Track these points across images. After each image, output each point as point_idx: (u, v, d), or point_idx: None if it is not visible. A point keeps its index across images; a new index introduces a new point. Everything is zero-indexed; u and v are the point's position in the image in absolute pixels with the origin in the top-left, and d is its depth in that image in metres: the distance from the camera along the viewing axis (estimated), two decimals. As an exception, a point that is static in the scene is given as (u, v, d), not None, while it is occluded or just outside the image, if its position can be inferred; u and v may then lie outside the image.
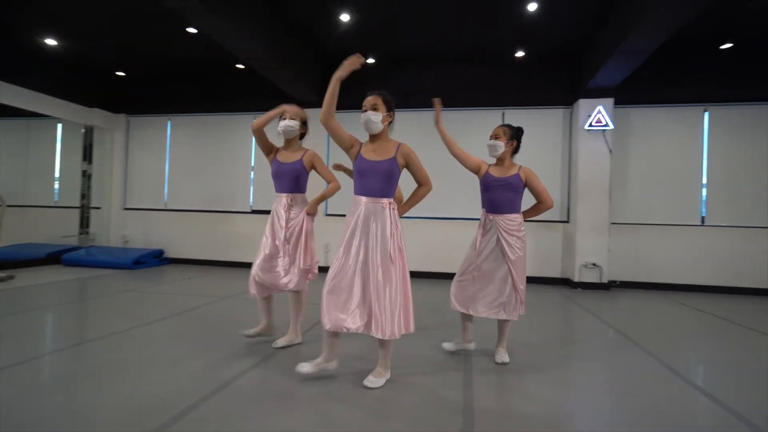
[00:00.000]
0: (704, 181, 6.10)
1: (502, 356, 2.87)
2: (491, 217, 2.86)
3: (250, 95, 7.26)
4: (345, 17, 4.87)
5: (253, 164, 7.41)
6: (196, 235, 7.46)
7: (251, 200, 7.41)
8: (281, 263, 2.92)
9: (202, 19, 4.39)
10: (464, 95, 6.52)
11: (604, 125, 5.91)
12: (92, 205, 7.60)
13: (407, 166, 2.46)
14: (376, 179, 2.35)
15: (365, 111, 2.39)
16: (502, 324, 2.94)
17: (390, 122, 2.46)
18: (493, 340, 3.12)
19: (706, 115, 6.09)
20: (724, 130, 6.06)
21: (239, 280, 6.06)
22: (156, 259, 7.19)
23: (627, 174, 6.27)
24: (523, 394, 2.36)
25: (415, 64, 6.68)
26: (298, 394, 2.25)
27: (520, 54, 5.90)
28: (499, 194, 2.82)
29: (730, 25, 5.05)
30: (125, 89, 7.79)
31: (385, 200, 2.36)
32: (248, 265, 7.16)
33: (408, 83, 6.74)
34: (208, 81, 7.50)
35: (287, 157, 3.00)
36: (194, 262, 7.43)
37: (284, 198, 2.98)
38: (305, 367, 2.41)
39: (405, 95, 6.75)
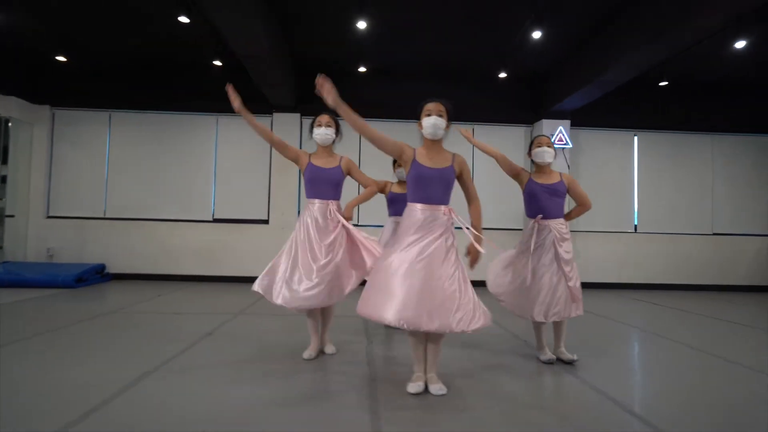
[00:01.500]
0: (635, 193, 7.23)
1: (569, 354, 3.04)
2: (545, 223, 2.97)
3: (219, 95, 6.71)
4: (361, 24, 4.83)
5: (215, 170, 6.84)
6: (145, 246, 6.63)
7: (213, 208, 6.83)
8: (324, 274, 2.75)
9: (215, 11, 4.04)
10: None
11: (564, 144, 6.68)
12: (6, 213, 6.33)
13: (459, 176, 2.44)
14: (437, 187, 2.35)
15: (430, 116, 2.36)
16: (560, 324, 3.10)
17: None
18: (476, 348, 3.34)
19: (635, 139, 7.23)
20: (651, 153, 7.25)
21: (217, 292, 5.55)
22: (98, 275, 6.23)
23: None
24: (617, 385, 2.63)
25: (397, 76, 6.89)
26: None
27: (502, 75, 6.38)
28: (550, 201, 2.97)
29: (670, 65, 6.09)
30: (56, 76, 6.67)
31: (445, 207, 2.37)
32: (213, 279, 6.71)
33: (388, 94, 6.89)
34: (168, 76, 6.80)
35: (325, 163, 2.95)
36: (142, 277, 6.59)
37: (328, 204, 2.88)
38: (413, 388, 2.32)
39: (383, 106, 6.90)
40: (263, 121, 6.76)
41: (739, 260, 7.16)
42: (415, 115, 2.47)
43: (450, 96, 7.47)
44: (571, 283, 2.95)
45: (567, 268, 2.95)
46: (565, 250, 2.98)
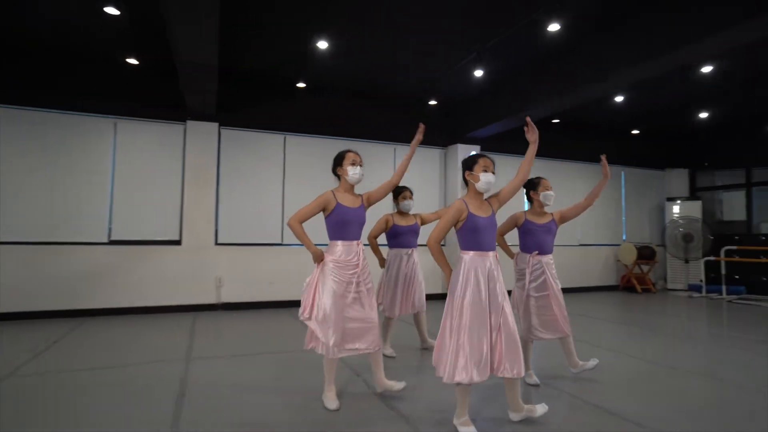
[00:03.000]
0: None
1: (589, 362, 3.37)
2: (541, 258, 3.30)
3: (121, 94, 5.71)
4: (322, 44, 4.64)
5: (112, 183, 5.78)
6: (14, 276, 5.27)
7: (109, 228, 5.76)
8: (365, 313, 2.87)
9: (170, 13, 3.48)
10: (367, 128, 6.99)
11: (476, 167, 7.38)
12: None
13: (501, 203, 2.65)
14: (491, 234, 2.54)
15: (487, 172, 2.53)
16: (567, 341, 3.41)
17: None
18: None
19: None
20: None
21: (125, 328, 4.72)
22: (-54, 319, 4.74)
23: (482, 205, 7.95)
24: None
25: (333, 93, 6.81)
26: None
27: (433, 102, 6.74)
28: (544, 238, 3.31)
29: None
30: None
31: (494, 252, 2.59)
32: (112, 312, 5.60)
33: (322, 111, 6.81)
34: (59, 66, 5.51)
35: (352, 202, 2.91)
36: (20, 316, 5.21)
37: (354, 244, 2.89)
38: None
39: (317, 122, 6.73)
40: (175, 129, 6.03)
41: (595, 265, 8.83)
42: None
43: (378, 116, 7.82)
44: (562, 308, 3.31)
45: (558, 296, 3.31)
46: (557, 280, 3.34)
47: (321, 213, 2.91)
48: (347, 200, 2.90)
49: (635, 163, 9.37)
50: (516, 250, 3.45)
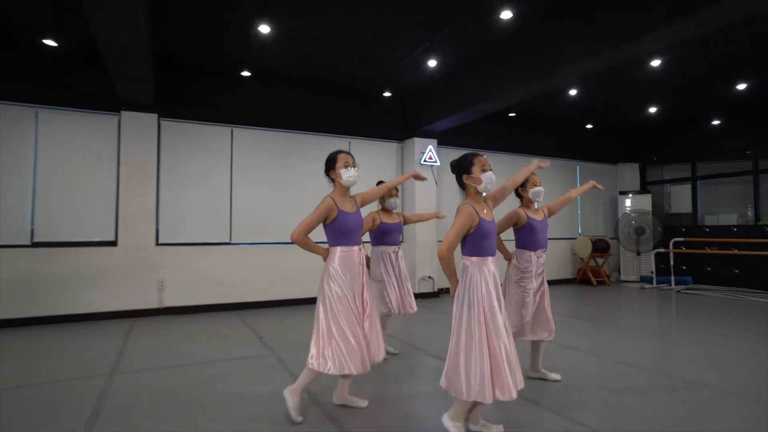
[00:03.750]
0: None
1: (553, 374, 3.29)
2: (542, 254, 3.17)
3: (42, 80, 5.16)
4: (265, 29, 4.31)
5: (34, 179, 5.24)
6: None
7: (31, 230, 5.22)
8: (371, 322, 2.68)
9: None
10: (321, 121, 6.69)
11: (434, 161, 7.24)
12: None
13: (496, 202, 2.51)
14: (494, 237, 2.40)
15: (487, 171, 2.39)
16: (539, 345, 3.30)
17: None
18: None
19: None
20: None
21: (56, 339, 4.27)
22: None
23: (452, 204, 7.81)
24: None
25: (284, 84, 6.46)
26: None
27: (387, 94, 6.52)
28: (544, 235, 3.21)
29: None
30: None
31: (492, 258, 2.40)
32: (36, 321, 5.06)
33: (272, 103, 6.47)
34: None
35: (351, 207, 2.72)
36: None
37: (358, 250, 2.68)
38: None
39: (267, 114, 6.40)
40: (108, 120, 5.57)
41: (552, 259, 8.92)
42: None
43: (331, 108, 7.49)
44: (549, 307, 3.21)
45: (547, 294, 3.22)
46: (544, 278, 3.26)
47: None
48: (347, 206, 2.69)
49: (589, 158, 9.54)
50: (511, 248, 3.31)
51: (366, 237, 3.80)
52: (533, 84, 5.12)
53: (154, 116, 5.73)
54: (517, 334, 3.16)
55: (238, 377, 3.36)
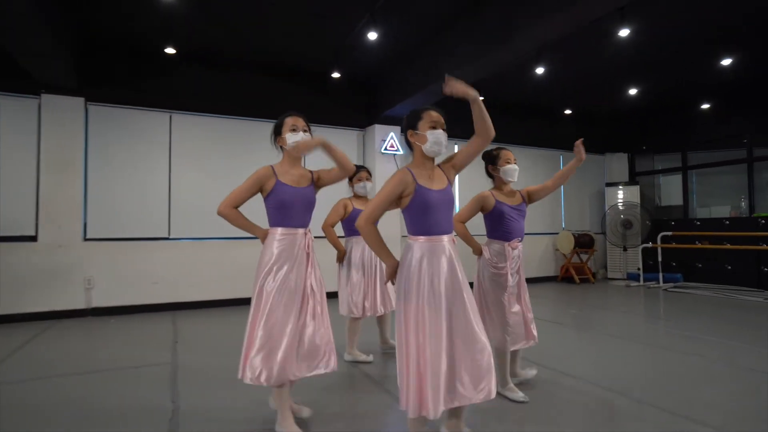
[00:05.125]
0: (457, 200, 7.79)
1: (529, 370, 2.94)
2: (517, 245, 2.71)
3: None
4: None
5: (-58, 167, 4.81)
6: None
7: (-60, 222, 4.79)
8: (315, 323, 2.24)
9: None
10: (270, 106, 6.15)
11: (396, 150, 6.72)
12: None
13: (456, 169, 2.04)
14: (448, 212, 1.93)
15: (436, 129, 1.90)
16: (516, 351, 2.86)
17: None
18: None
19: (456, 148, 7.77)
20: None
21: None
22: None
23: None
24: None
25: (212, 64, 5.91)
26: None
27: (336, 75, 6.01)
28: (518, 222, 2.73)
29: (483, 85, 6.63)
30: None
31: (450, 236, 1.95)
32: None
33: (214, 86, 5.96)
34: None
35: (296, 180, 2.28)
36: None
37: (302, 233, 2.26)
38: None
39: (210, 99, 5.94)
40: (24, 104, 5.12)
41: (532, 256, 8.36)
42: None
43: (282, 93, 6.77)
44: (528, 305, 2.80)
45: (526, 290, 2.81)
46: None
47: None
48: (290, 177, 2.26)
49: (573, 147, 8.94)
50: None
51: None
52: (488, 57, 4.58)
53: (80, 100, 5.27)
54: (501, 349, 2.64)
55: (118, 388, 2.87)
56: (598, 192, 9.11)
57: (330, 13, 4.71)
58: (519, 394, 2.62)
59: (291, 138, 2.25)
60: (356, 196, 3.50)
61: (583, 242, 8.19)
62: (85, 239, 5.32)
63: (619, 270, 8.45)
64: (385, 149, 6.65)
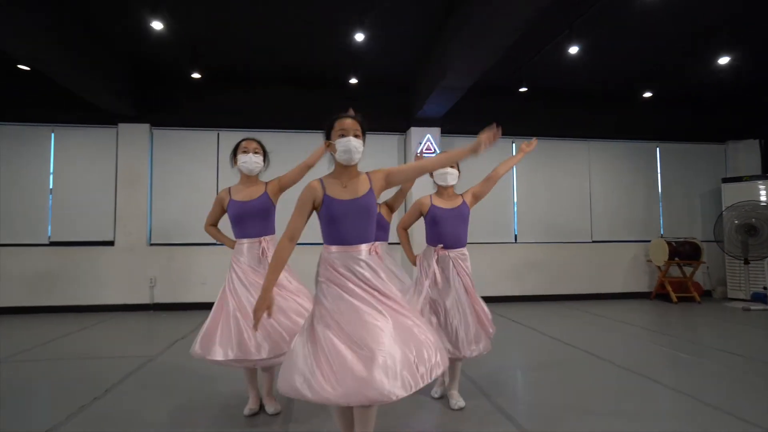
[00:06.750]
0: (515, 203, 7.04)
1: (458, 400, 2.66)
2: (447, 253, 2.63)
3: (55, 102, 6.01)
4: (158, 25, 4.31)
5: (51, 186, 6.13)
6: (-34, 275, 5.83)
7: (49, 230, 6.11)
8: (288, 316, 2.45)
9: None
10: (299, 118, 6.42)
11: (433, 153, 6.38)
12: None
13: (387, 184, 1.98)
14: (361, 221, 1.89)
15: (345, 137, 1.88)
16: (454, 362, 2.67)
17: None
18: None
19: (513, 146, 7.03)
20: (527, 160, 7.06)
21: (69, 325, 4.87)
22: None
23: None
24: None
25: (246, 82, 6.43)
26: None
27: (353, 81, 6.00)
28: (452, 228, 2.65)
29: (523, 73, 5.91)
30: None
31: (369, 245, 1.92)
32: (53, 309, 5.98)
33: (237, 102, 6.44)
34: None
35: (248, 195, 2.59)
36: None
37: (256, 243, 2.54)
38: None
39: (233, 115, 6.43)
40: (104, 134, 6.18)
41: (616, 267, 7.08)
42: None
43: (309, 103, 6.87)
44: (482, 314, 2.65)
45: (474, 298, 2.64)
46: (470, 277, 2.68)
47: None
48: (242, 193, 2.60)
49: (676, 137, 7.36)
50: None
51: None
52: (487, 41, 4.07)
53: (146, 126, 6.22)
54: (454, 355, 2.54)
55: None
56: (712, 191, 7.32)
57: (316, 19, 4.71)
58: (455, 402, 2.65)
59: (240, 159, 2.59)
60: None
61: (684, 252, 6.65)
62: (150, 244, 6.22)
63: (741, 288, 6.63)
64: (422, 152, 6.36)
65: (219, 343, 2.38)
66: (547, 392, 2.99)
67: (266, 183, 2.65)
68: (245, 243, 2.54)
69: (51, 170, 6.15)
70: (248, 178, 2.63)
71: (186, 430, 2.43)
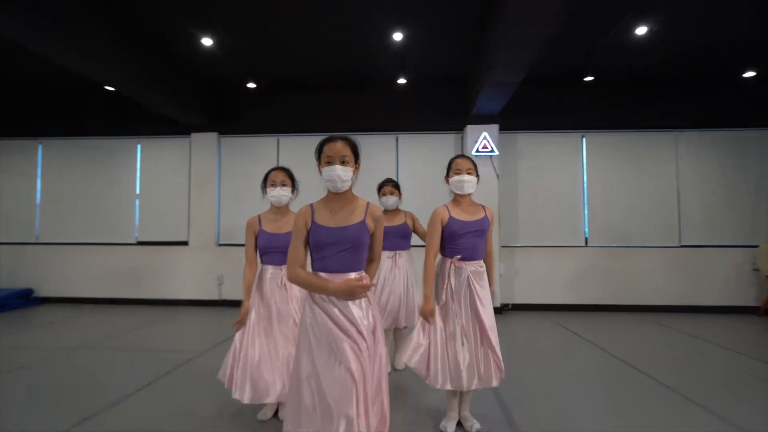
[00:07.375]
0: (586, 203, 6.40)
1: (473, 422, 2.53)
2: (463, 265, 2.47)
3: (139, 119, 6.73)
4: (207, 41, 4.58)
5: (138, 191, 6.86)
6: (74, 270, 6.75)
7: (136, 231, 6.85)
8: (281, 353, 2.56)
9: (37, 44, 3.96)
10: (354, 120, 6.45)
11: (490, 151, 6.04)
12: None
13: (373, 232, 1.93)
14: (349, 250, 1.84)
15: (330, 165, 1.85)
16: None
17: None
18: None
19: (584, 141, 6.40)
20: (600, 156, 6.40)
21: (148, 317, 5.50)
22: (21, 300, 6.41)
23: (516, 198, 6.43)
24: None
25: (299, 89, 6.61)
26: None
27: (401, 81, 5.88)
28: (471, 240, 2.49)
29: (589, 61, 5.33)
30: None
31: (355, 274, 1.86)
32: (138, 302, 6.75)
33: (292, 108, 6.65)
34: (76, 103, 6.91)
35: (277, 228, 2.65)
36: (71, 300, 6.71)
37: (278, 270, 2.64)
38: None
39: (290, 120, 6.63)
40: (180, 143, 6.75)
41: (713, 277, 6.11)
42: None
43: (360, 105, 6.95)
44: (493, 341, 2.42)
45: (488, 322, 2.43)
46: (488, 297, 2.49)
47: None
48: (271, 224, 2.67)
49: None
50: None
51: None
52: (521, 28, 3.73)
53: (213, 135, 6.69)
54: (458, 387, 2.41)
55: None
56: None
57: (355, 23, 4.67)
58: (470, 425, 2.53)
59: (270, 192, 2.66)
60: (384, 211, 3.43)
61: (802, 261, 5.55)
62: (218, 244, 6.68)
63: None
64: (477, 151, 6.05)
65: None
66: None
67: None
68: (269, 270, 2.63)
69: (138, 178, 6.88)
70: (278, 209, 2.69)
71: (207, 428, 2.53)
